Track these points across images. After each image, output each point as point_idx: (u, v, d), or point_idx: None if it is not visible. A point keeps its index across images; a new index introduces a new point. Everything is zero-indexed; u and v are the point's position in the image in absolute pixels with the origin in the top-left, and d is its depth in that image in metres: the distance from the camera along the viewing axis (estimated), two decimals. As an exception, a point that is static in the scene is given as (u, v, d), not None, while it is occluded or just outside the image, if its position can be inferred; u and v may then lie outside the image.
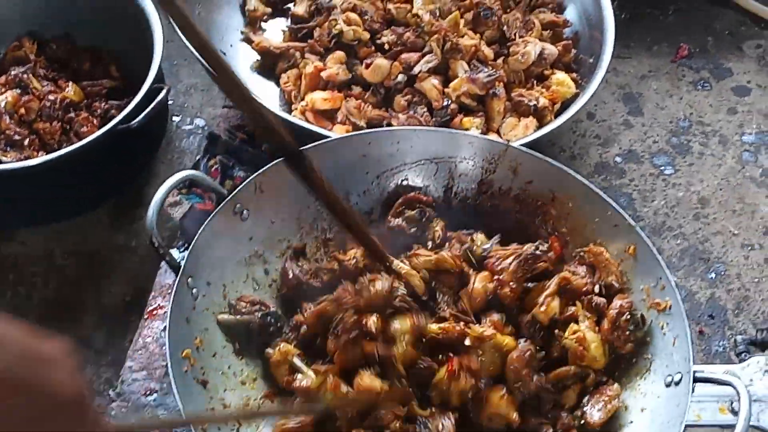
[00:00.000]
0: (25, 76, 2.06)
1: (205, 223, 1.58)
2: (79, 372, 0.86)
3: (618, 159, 2.23)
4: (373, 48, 2.13)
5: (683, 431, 1.44)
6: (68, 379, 0.85)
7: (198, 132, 2.24)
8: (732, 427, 1.54)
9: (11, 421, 0.81)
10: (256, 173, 1.67)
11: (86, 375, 0.87)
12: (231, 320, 1.61)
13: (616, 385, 1.59)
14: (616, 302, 1.61)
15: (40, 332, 0.85)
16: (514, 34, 2.15)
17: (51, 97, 2.03)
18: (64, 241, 2.03)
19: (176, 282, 1.51)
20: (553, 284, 1.63)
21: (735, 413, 1.58)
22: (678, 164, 2.23)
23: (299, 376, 1.54)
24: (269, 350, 1.58)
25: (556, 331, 1.59)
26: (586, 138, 2.27)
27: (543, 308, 1.60)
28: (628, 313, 1.59)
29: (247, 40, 2.24)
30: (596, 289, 1.66)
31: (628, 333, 1.59)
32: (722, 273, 2.01)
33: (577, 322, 1.61)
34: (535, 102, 2.03)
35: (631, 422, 1.56)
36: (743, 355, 1.83)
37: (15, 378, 0.81)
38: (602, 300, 1.63)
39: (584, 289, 1.64)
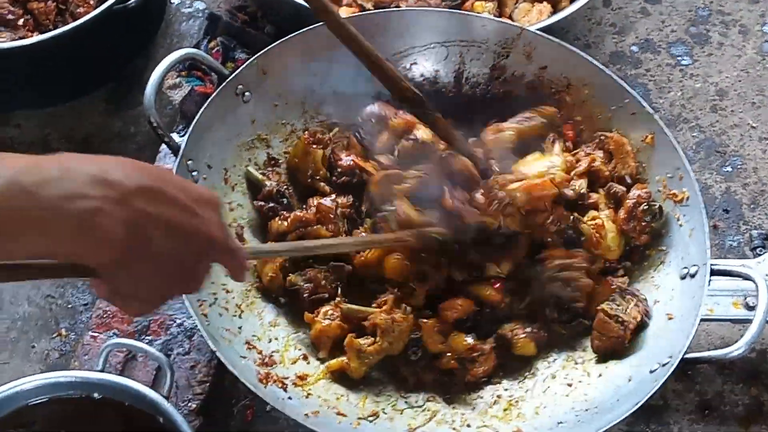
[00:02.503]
0: (17, -47, 1.98)
1: (206, 103, 1.52)
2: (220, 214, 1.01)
3: (634, 48, 2.15)
4: (379, -74, 2.03)
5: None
6: (217, 219, 0.99)
7: (198, 15, 2.15)
8: (745, 321, 1.52)
9: (177, 252, 0.94)
10: (259, 54, 1.60)
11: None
12: (255, 176, 1.61)
13: (624, 278, 1.55)
14: (634, 192, 1.56)
15: None
16: None
17: (45, -25, 1.95)
18: (60, 125, 1.97)
19: (176, 164, 1.46)
20: (584, 163, 1.58)
21: (749, 308, 1.55)
22: (696, 55, 2.15)
23: None
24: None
25: (575, 213, 1.55)
26: (602, 26, 2.19)
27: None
28: (646, 203, 1.54)
29: None
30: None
31: (644, 224, 1.54)
32: (739, 166, 1.95)
33: (597, 209, 1.56)
34: (549, -14, 1.95)
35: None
36: (758, 250, 1.78)
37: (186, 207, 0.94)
38: (622, 189, 1.58)
39: (605, 175, 1.59)
